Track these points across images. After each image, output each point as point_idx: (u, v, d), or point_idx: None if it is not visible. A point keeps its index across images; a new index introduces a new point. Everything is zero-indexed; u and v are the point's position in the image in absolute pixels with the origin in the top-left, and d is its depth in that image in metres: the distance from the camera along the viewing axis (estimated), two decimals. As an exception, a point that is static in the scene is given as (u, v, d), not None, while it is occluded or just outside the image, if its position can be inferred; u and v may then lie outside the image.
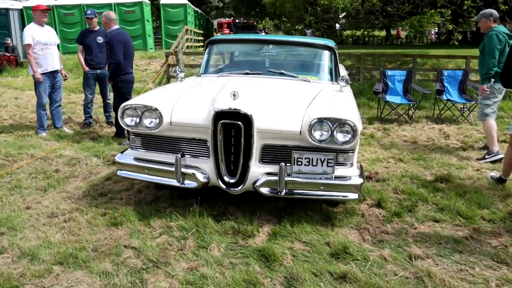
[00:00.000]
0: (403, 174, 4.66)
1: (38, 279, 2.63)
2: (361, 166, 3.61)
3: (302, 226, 3.37)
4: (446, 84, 7.94)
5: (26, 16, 16.91)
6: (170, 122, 3.53)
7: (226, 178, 3.47)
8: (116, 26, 5.90)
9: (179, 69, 4.66)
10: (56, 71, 6.45)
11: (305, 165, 3.36)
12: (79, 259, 2.84)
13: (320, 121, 3.23)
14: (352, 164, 3.46)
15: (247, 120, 3.31)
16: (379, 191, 4.17)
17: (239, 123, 3.31)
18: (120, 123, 3.64)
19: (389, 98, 7.80)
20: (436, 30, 29.54)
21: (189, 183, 3.50)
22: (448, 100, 7.72)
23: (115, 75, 5.73)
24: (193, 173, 3.47)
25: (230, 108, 3.32)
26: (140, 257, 2.91)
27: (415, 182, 4.44)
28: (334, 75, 4.87)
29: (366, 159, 5.29)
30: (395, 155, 5.44)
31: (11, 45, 15.50)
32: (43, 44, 6.20)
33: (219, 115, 3.34)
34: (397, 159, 5.26)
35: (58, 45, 6.63)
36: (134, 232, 3.27)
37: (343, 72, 5.86)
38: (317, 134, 3.27)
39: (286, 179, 3.33)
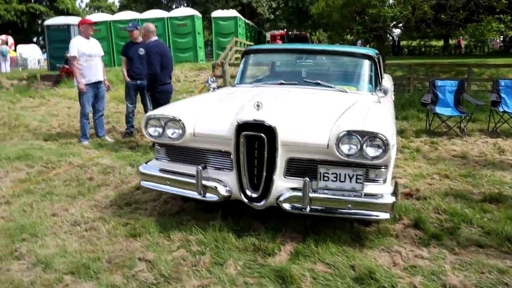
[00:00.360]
0: (447, 192, 4.27)
1: (47, 288, 2.60)
2: (396, 183, 3.33)
3: (328, 246, 3.14)
4: (503, 95, 7.34)
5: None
6: (193, 133, 3.44)
7: (248, 192, 3.32)
8: (155, 38, 5.97)
9: (211, 79, 4.59)
10: (99, 82, 6.63)
11: (332, 180, 3.14)
12: (91, 269, 2.80)
13: (349, 134, 3.00)
14: (385, 181, 3.19)
15: (270, 132, 3.15)
16: (418, 210, 3.83)
17: (262, 135, 3.16)
18: (144, 133, 3.60)
19: (438, 110, 7.32)
20: (501, 38, 27.91)
21: (211, 196, 3.38)
22: (504, 112, 7.13)
23: (153, 85, 5.79)
24: (215, 186, 3.35)
25: (253, 120, 3.18)
26: (153, 271, 2.82)
27: (459, 201, 4.05)
28: (375, 86, 4.59)
29: (408, 174, 4.94)
30: (441, 170, 5.03)
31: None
32: (88, 55, 6.40)
33: (241, 127, 3.21)
34: (443, 175, 4.86)
35: (101, 57, 6.82)
36: (152, 245, 3.19)
37: (388, 82, 5.55)
38: (345, 148, 3.04)
39: (311, 195, 3.12)
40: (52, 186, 4.50)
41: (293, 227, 3.48)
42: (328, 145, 3.09)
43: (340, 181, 3.12)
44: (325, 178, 3.14)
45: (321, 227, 3.46)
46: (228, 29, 18.55)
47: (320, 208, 3.15)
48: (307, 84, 4.53)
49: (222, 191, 3.34)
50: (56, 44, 17.41)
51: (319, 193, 3.14)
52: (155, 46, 5.81)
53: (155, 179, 3.62)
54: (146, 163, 3.78)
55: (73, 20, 17.73)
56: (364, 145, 3.00)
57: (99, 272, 2.77)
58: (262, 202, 3.28)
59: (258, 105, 3.21)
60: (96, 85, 6.57)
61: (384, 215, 3.08)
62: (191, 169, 3.47)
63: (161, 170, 3.62)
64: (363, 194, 3.09)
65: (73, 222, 3.59)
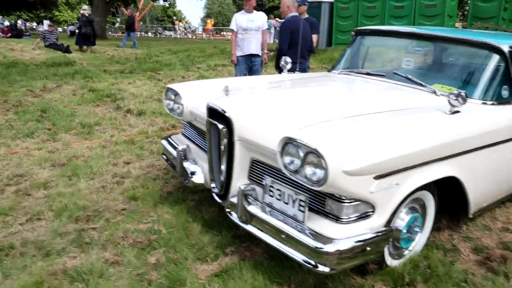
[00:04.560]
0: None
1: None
2: (387, 231, 2.29)
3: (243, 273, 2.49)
4: None
5: (335, 8, 18.27)
6: (190, 110, 3.22)
7: (212, 185, 2.92)
8: (292, 13, 5.64)
9: (286, 60, 4.08)
10: (254, 55, 6.76)
11: (277, 198, 2.43)
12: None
13: (289, 141, 2.21)
14: (349, 221, 2.23)
15: (229, 123, 2.64)
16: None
17: (218, 124, 2.68)
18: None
19: None
20: None
21: (187, 180, 3.14)
22: None
23: (278, 63, 5.57)
24: (191, 172, 3.08)
25: (212, 105, 2.73)
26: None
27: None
28: (497, 92, 3.15)
29: None
30: None
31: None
32: (244, 29, 6.59)
33: (210, 111, 2.80)
34: None
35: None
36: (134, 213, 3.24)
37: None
38: (287, 160, 2.27)
39: (247, 207, 2.50)
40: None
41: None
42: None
43: (284, 202, 2.38)
44: (271, 193, 2.45)
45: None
46: (488, 12, 15.47)
47: (253, 225, 2.49)
48: (395, 77, 3.50)
49: (196, 178, 3.04)
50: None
51: (257, 208, 2.47)
52: (287, 22, 5.53)
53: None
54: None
55: (324, -2, 18.33)
56: (306, 161, 2.16)
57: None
58: (224, 201, 2.83)
59: (226, 90, 2.73)
60: (250, 58, 6.73)
61: (322, 268, 2.18)
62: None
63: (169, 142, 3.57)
64: (305, 227, 2.26)
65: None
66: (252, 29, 6.57)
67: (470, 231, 3.26)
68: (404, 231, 2.60)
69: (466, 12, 17.26)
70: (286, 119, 2.54)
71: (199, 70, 11.38)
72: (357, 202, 2.21)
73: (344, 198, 2.19)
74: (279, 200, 2.39)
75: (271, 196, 2.44)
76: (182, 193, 3.65)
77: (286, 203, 2.35)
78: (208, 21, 43.82)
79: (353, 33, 4.18)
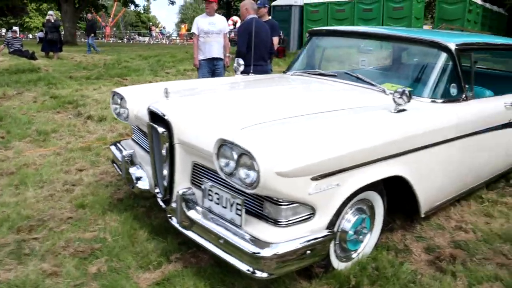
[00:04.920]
0: None
1: None
2: (329, 234, 2.24)
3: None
4: None
5: (305, 12, 18.37)
6: (135, 114, 3.13)
7: (156, 190, 2.82)
8: (251, 16, 5.59)
9: (239, 62, 4.02)
10: (216, 59, 6.67)
11: (215, 202, 2.35)
12: None
13: (225, 143, 2.14)
14: (288, 224, 2.17)
15: (168, 126, 2.55)
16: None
17: (157, 127, 2.58)
18: None
19: None
20: None
21: (132, 185, 3.03)
22: None
23: (237, 65, 5.53)
24: (136, 177, 2.97)
25: (152, 109, 2.64)
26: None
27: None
28: (445, 90, 3.15)
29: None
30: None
31: (282, 37, 17.23)
32: (205, 32, 6.51)
33: (151, 114, 2.71)
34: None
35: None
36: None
37: None
38: (222, 162, 2.19)
39: (187, 212, 2.41)
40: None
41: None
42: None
43: (223, 206, 2.30)
44: (210, 197, 2.37)
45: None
46: (454, 14, 15.82)
47: (193, 231, 2.40)
48: (346, 77, 3.48)
49: (141, 184, 2.94)
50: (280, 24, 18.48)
51: (196, 213, 2.39)
52: (245, 23, 5.47)
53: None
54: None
55: (296, 1, 18.42)
56: (240, 163, 2.09)
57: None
58: (167, 206, 2.73)
59: (166, 93, 2.64)
60: (212, 61, 6.65)
61: (260, 274, 2.10)
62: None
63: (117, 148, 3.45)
64: (243, 232, 2.19)
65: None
66: (214, 32, 6.50)
67: (424, 230, 3.25)
68: (351, 232, 2.56)
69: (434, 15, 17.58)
70: (225, 121, 2.46)
71: (168, 75, 11.25)
72: (295, 205, 2.15)
73: (281, 200, 2.12)
74: (217, 204, 2.32)
75: (210, 200, 2.36)
76: (133, 199, 3.54)
77: (224, 207, 2.27)
78: (182, 26, 43.76)
79: (307, 34, 4.15)
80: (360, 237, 2.64)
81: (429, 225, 3.33)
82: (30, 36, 31.99)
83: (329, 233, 2.26)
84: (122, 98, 3.21)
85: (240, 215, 2.17)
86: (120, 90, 3.28)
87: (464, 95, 3.20)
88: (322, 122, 2.38)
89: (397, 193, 2.84)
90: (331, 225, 2.33)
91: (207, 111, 2.61)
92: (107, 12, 35.40)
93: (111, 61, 14.26)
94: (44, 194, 3.66)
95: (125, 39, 41.59)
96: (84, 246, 2.85)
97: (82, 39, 31.30)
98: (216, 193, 2.32)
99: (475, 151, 3.35)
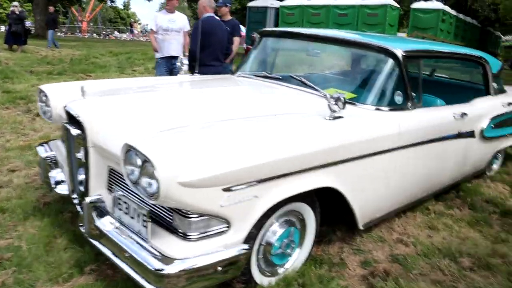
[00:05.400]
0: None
1: None
2: (244, 249, 2.07)
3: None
4: None
5: (281, 14, 18.30)
6: (59, 113, 2.90)
7: (73, 196, 2.61)
8: (208, 14, 5.40)
9: (183, 60, 3.83)
10: (174, 57, 6.47)
11: (124, 212, 2.15)
12: None
13: (131, 149, 1.95)
14: (199, 238, 2.00)
15: (82, 127, 2.35)
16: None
17: (70, 127, 2.38)
18: None
19: None
20: None
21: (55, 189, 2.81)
22: None
23: (190, 65, 5.33)
24: (55, 182, 2.76)
25: (68, 108, 2.44)
26: None
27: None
28: (391, 98, 3.03)
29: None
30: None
31: (254, 35, 17.12)
32: (164, 29, 6.30)
33: (68, 115, 2.50)
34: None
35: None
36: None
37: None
38: (129, 169, 2.00)
39: (97, 222, 2.21)
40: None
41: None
42: (124, 160, 2.10)
43: (131, 216, 2.11)
44: (119, 206, 2.18)
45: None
46: (427, 23, 16.00)
47: (100, 242, 2.20)
48: (291, 81, 3.33)
49: (59, 188, 2.73)
50: (253, 25, 18.37)
51: (105, 223, 2.19)
52: (200, 22, 5.29)
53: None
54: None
55: (272, 3, 18.34)
56: (143, 171, 1.91)
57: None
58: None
59: (83, 92, 2.44)
60: (170, 60, 6.45)
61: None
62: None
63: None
64: (149, 246, 2.00)
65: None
66: (174, 30, 6.29)
67: (363, 242, 3.13)
68: (277, 245, 2.41)
69: (409, 22, 17.75)
70: (139, 124, 2.27)
71: (134, 72, 10.96)
72: (206, 217, 1.98)
73: (190, 213, 1.95)
74: (126, 214, 2.13)
75: (120, 209, 2.17)
76: (62, 204, 3.30)
77: (133, 218, 2.09)
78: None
79: (257, 34, 3.99)
80: (288, 250, 2.49)
81: (369, 237, 3.21)
82: (3, 28, 30.71)
83: (244, 249, 2.09)
84: (46, 95, 2.98)
85: (146, 227, 1.98)
86: (44, 87, 3.05)
87: (409, 104, 3.09)
88: (242, 128, 2.21)
89: (334, 204, 2.70)
90: (250, 239, 2.17)
91: (123, 113, 2.42)
92: (81, 6, 34.48)
93: (79, 56, 13.84)
94: (-35, 196, 3.39)
95: (102, 35, 40.82)
96: (-9, 256, 2.62)
97: (58, 33, 30.44)
98: (125, 202, 2.13)
99: (421, 162, 3.24)
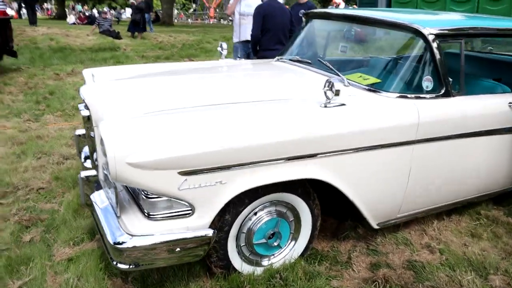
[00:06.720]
0: None
1: None
2: (204, 233, 2.11)
3: None
4: None
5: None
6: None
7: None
8: (266, -4, 5.35)
9: (223, 45, 3.89)
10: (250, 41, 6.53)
11: (108, 187, 2.34)
12: None
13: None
14: (163, 218, 2.08)
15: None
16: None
17: (83, 109, 2.61)
18: None
19: None
20: None
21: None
22: None
23: (254, 50, 5.37)
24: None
25: (79, 91, 2.68)
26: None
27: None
28: (418, 84, 2.72)
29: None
30: None
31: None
32: (241, 14, 6.38)
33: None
34: None
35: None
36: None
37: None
38: (102, 149, 2.14)
39: (91, 194, 2.44)
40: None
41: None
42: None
43: (110, 192, 2.27)
44: (107, 183, 2.36)
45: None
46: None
47: (91, 212, 2.41)
48: (319, 65, 3.18)
49: (87, 162, 3.02)
50: (365, 6, 17.50)
51: (96, 196, 2.41)
52: (260, 6, 5.27)
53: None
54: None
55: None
56: (104, 150, 2.03)
57: None
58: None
59: (93, 76, 2.66)
60: (246, 44, 6.52)
61: (121, 265, 2.06)
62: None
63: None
64: (119, 221, 2.14)
65: None
66: (250, 14, 6.35)
67: (383, 244, 2.88)
68: (259, 235, 2.37)
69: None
70: (130, 108, 2.36)
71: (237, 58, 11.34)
72: (166, 199, 2.03)
73: (150, 194, 2.02)
74: (109, 189, 2.29)
75: (108, 186, 2.34)
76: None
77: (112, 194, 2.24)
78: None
79: (304, 17, 3.84)
80: (273, 242, 2.43)
81: (393, 238, 2.94)
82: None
83: (206, 234, 2.10)
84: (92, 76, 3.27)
85: (116, 203, 2.12)
86: (89, 70, 3.35)
87: (443, 91, 2.70)
88: (212, 114, 2.18)
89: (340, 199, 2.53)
90: (223, 224, 2.18)
91: (124, 97, 2.55)
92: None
93: (193, 42, 14.76)
94: (36, 164, 3.95)
95: (227, 21, 42.44)
96: (31, 216, 3.03)
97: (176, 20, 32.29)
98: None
99: (448, 158, 2.80)
